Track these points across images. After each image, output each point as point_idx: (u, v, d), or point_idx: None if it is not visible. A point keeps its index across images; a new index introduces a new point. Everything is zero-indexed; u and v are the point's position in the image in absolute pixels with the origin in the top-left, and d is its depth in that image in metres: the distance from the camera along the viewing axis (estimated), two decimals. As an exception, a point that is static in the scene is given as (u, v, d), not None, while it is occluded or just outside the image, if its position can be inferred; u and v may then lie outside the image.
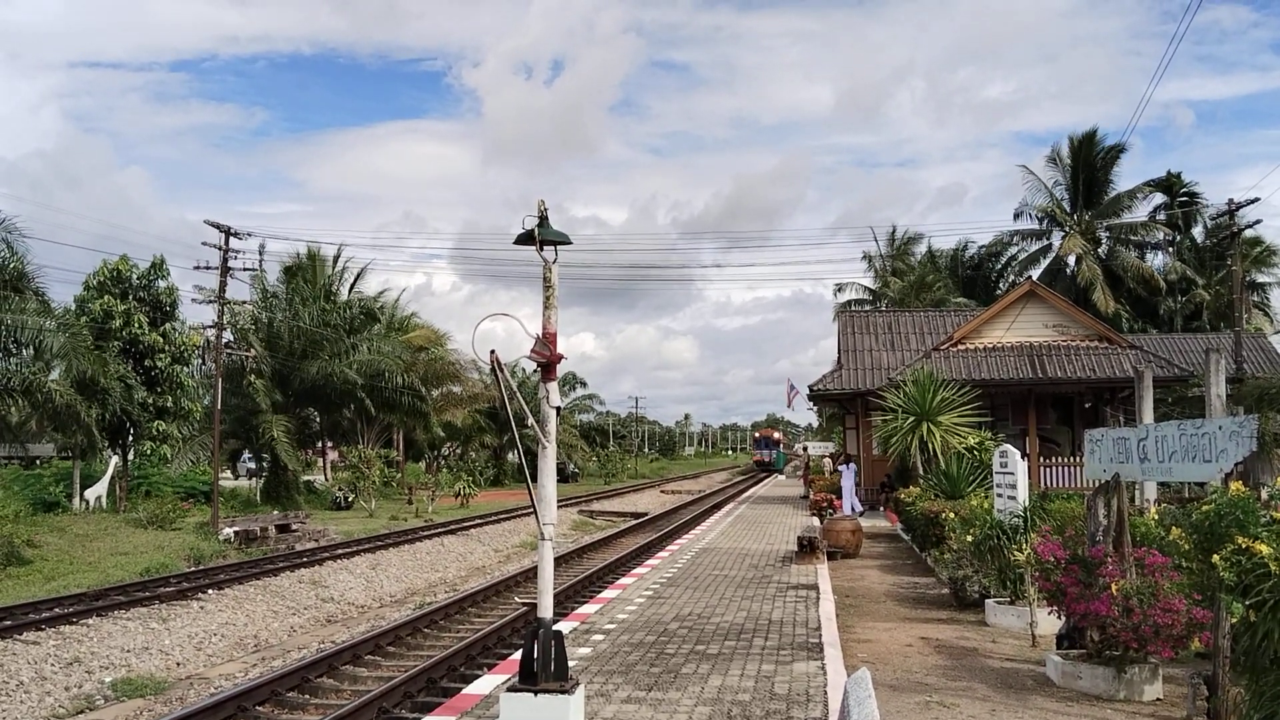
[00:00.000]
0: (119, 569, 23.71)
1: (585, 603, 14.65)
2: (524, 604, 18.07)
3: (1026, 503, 14.00)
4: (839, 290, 67.14)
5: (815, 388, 36.75)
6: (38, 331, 30.85)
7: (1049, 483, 28.48)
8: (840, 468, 32.39)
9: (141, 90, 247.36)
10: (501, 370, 7.45)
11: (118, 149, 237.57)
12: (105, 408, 34.71)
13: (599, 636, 11.41)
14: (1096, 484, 10.78)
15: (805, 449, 67.47)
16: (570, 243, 7.71)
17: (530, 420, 7.51)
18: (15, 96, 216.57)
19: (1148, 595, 8.80)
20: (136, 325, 37.72)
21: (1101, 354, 30.67)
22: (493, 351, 8.10)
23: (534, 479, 7.59)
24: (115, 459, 38.19)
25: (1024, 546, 11.66)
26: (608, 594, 14.96)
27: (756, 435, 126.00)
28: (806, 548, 18.62)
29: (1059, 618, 10.15)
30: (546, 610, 7.30)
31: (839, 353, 38.50)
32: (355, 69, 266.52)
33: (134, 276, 39.16)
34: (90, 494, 35.97)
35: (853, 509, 30.16)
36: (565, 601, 17.68)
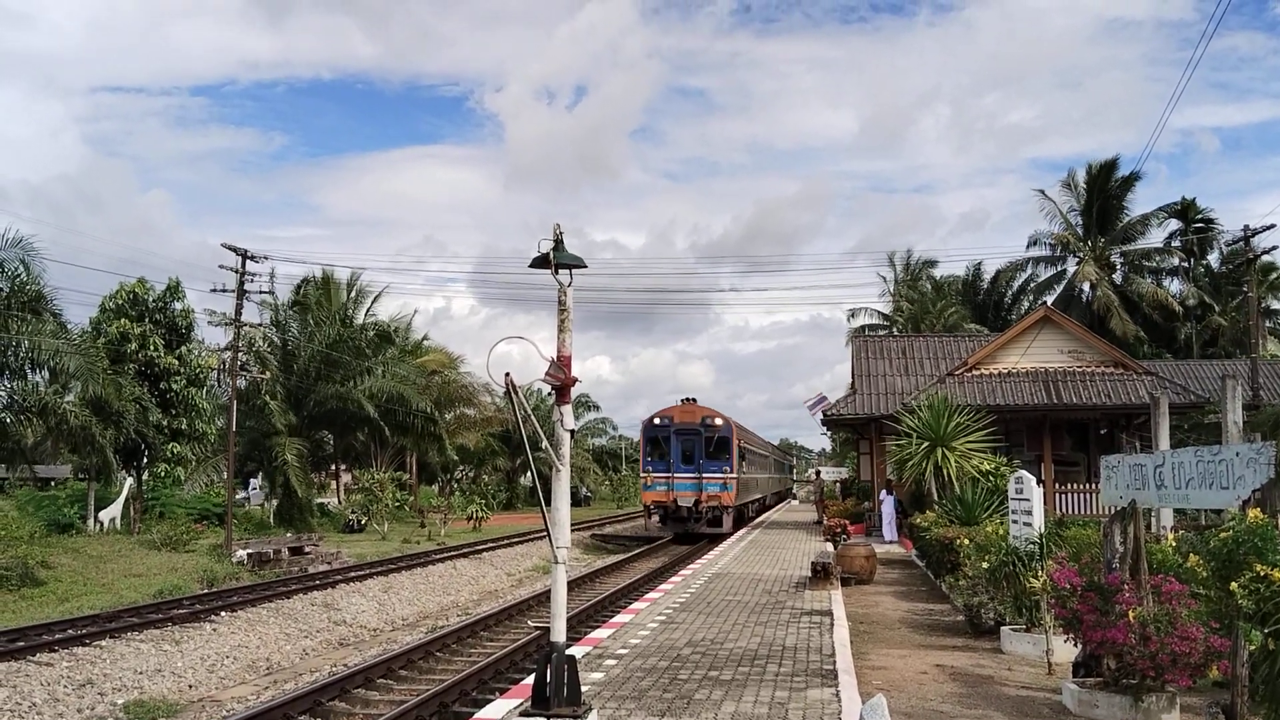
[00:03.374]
0: (132, 591, 23.74)
1: (598, 627, 14.60)
2: (536, 628, 18.03)
3: (1042, 529, 13.90)
4: (852, 315, 67.08)
5: (829, 412, 36.69)
6: (54, 353, 30.98)
7: (1065, 509, 28.35)
8: (882, 495, 32.30)
9: (162, 115, 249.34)
10: (516, 393, 7.46)
11: (139, 173, 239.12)
12: (120, 429, 34.81)
13: (612, 661, 11.36)
14: (1113, 510, 10.71)
15: (819, 474, 67.23)
16: (585, 266, 7.74)
17: (544, 443, 7.52)
18: (38, 120, 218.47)
19: (1165, 623, 8.72)
20: (152, 348, 37.87)
21: (1117, 380, 30.55)
22: (507, 374, 8.11)
23: (548, 502, 7.59)
24: (130, 481, 38.28)
25: (1040, 573, 11.58)
26: (621, 618, 14.90)
27: (657, 423, 38.93)
28: (820, 573, 18.54)
29: (1075, 645, 10.07)
30: (559, 635, 7.29)
31: (853, 377, 38.48)
32: (374, 94, 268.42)
33: (150, 299, 39.37)
34: (105, 515, 36.05)
35: (892, 537, 30.30)
36: (578, 626, 17.61)
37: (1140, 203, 65.25)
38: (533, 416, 7.50)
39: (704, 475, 36.93)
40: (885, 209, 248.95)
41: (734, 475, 37.12)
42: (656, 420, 38.10)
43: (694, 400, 39.04)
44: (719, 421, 37.73)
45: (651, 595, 17.78)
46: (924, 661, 12.37)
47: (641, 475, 39.14)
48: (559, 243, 7.43)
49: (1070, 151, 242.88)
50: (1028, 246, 59.84)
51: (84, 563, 27.36)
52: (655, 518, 38.82)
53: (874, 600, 18.37)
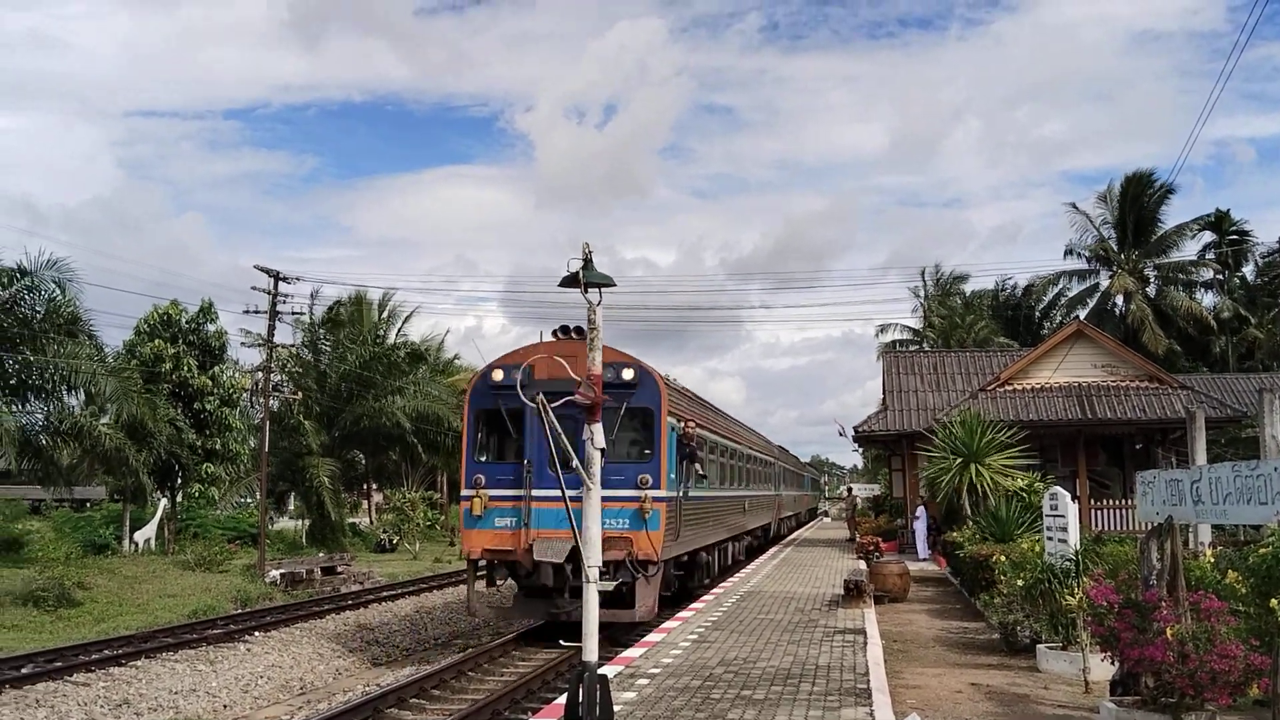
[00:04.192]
0: (167, 611, 23.90)
1: (630, 646, 14.55)
2: (568, 647, 17.99)
3: (1078, 546, 13.76)
4: (882, 331, 66.73)
5: (860, 429, 36.50)
6: (90, 375, 31.34)
7: (1100, 525, 28.06)
8: (917, 511, 32.11)
9: (195, 138, 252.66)
10: (547, 412, 7.48)
11: (173, 196, 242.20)
12: (154, 450, 35.13)
13: (644, 681, 11.32)
14: (1149, 527, 10.59)
15: (850, 491, 66.82)
16: (614, 285, 7.77)
17: (575, 462, 7.52)
18: (74, 145, 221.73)
19: (1204, 640, 8.60)
20: (186, 369, 38.23)
21: (1152, 394, 30.26)
22: (538, 393, 8.13)
23: (578, 521, 7.59)
24: (164, 501, 38.61)
25: (1076, 590, 11.46)
26: (652, 638, 14.85)
27: (498, 382, 17.98)
28: (853, 591, 18.40)
29: (1112, 663, 9.95)
30: (591, 654, 7.27)
31: (884, 393, 38.28)
32: (404, 115, 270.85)
33: (184, 320, 39.77)
34: (139, 536, 36.39)
35: (925, 554, 30.18)
36: (609, 645, 17.55)
37: (1174, 215, 64.56)
38: (562, 435, 7.51)
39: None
40: (915, 223, 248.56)
41: (666, 495, 17.67)
42: (496, 377, 18.17)
43: (579, 333, 17.26)
44: (629, 375, 17.75)
45: (683, 614, 17.70)
46: (959, 680, 12.25)
47: (463, 496, 18.67)
48: (588, 261, 7.46)
49: (1103, 164, 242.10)
50: (1064, 256, 59.41)
51: (119, 583, 27.58)
52: (486, 583, 19.40)
53: (908, 618, 18.22)
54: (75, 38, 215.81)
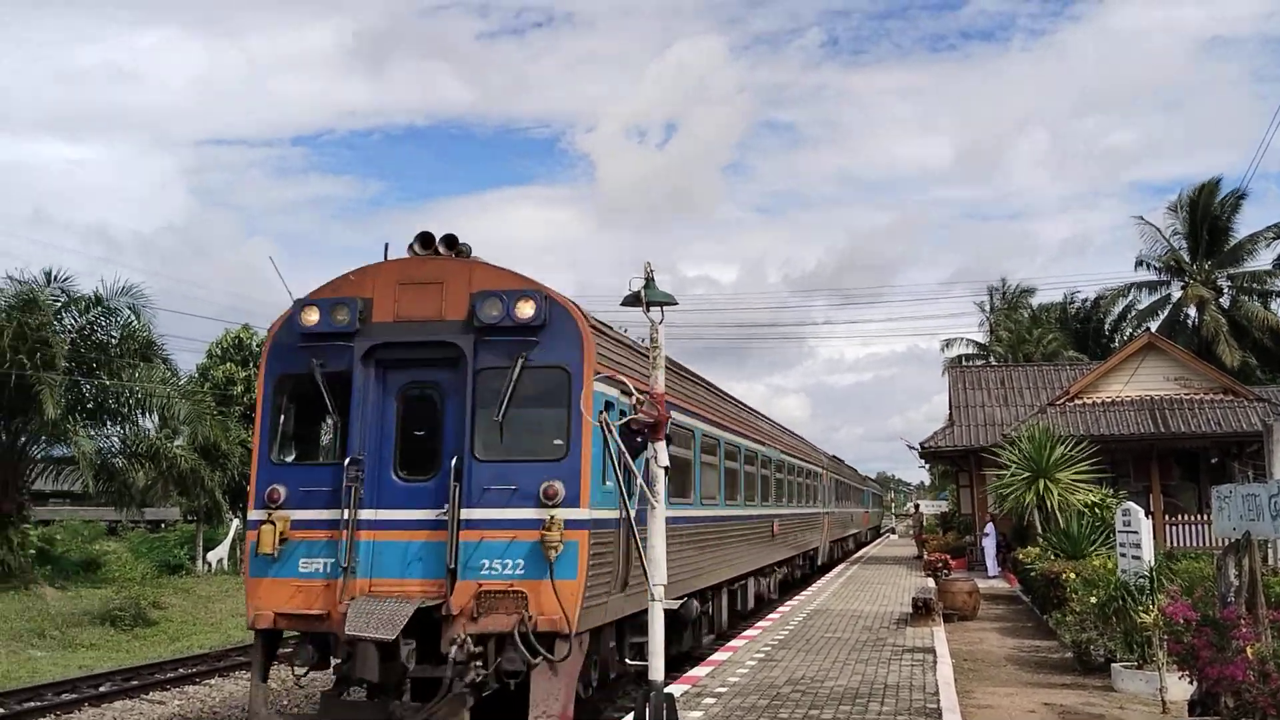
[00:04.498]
0: (240, 630, 24.25)
1: (695, 665, 14.51)
2: (632, 665, 17.97)
3: (1152, 562, 13.50)
4: (947, 345, 66.05)
5: (927, 445, 36.13)
6: (164, 399, 32.00)
7: (1174, 541, 27.51)
8: (986, 528, 31.73)
9: (264, 165, 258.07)
10: (610, 431, 7.51)
11: (243, 222, 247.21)
12: (227, 472, 35.77)
13: (710, 700, 11.28)
14: (1225, 543, 10.36)
15: (918, 507, 66.07)
16: (675, 303, 7.80)
17: (639, 481, 7.54)
18: (148, 173, 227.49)
19: (1286, 659, 8.39)
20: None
21: (1226, 407, 29.60)
22: (601, 412, 8.17)
23: (643, 539, 7.60)
24: (237, 522, 39.25)
25: (1151, 608, 11.24)
26: (718, 656, 14.80)
27: (311, 328, 10.51)
28: (921, 609, 18.20)
29: (1190, 683, 9.73)
30: (658, 673, 7.27)
31: (950, 409, 37.84)
32: (467, 138, 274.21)
33: (254, 344, 40.51)
34: (213, 556, 37.07)
35: (994, 571, 29.83)
36: (675, 664, 17.51)
37: (1247, 223, 63.22)
38: (626, 453, 7.54)
39: (471, 510, 9.92)
40: (980, 237, 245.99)
41: (589, 516, 10.03)
42: (307, 320, 10.62)
43: (449, 244, 10.89)
44: (528, 311, 10.21)
45: (749, 633, 17.62)
46: (1031, 700, 12.05)
47: (249, 523, 10.91)
48: (650, 280, 7.49)
49: (1173, 173, 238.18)
50: (1134, 268, 58.33)
51: (193, 602, 28.08)
52: (284, 667, 13.73)
53: (978, 637, 17.97)
54: (148, 69, 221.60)
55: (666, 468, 7.64)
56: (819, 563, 32.87)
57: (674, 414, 12.77)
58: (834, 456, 43.72)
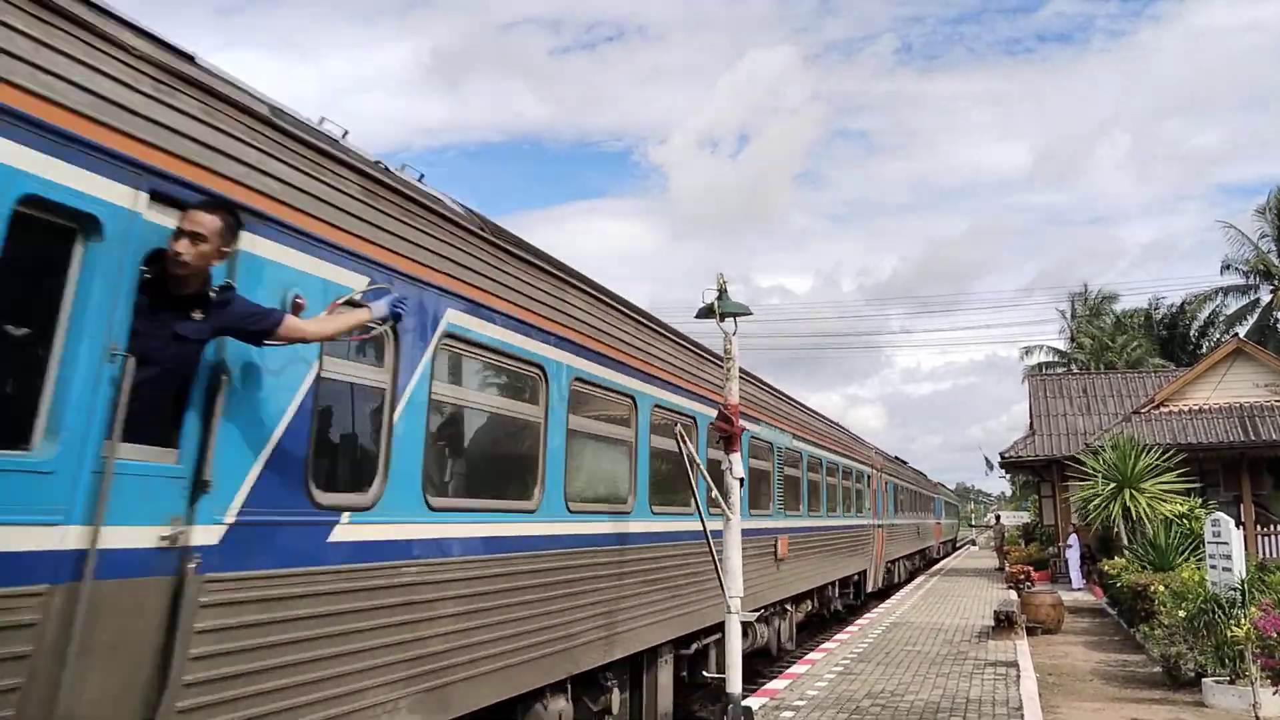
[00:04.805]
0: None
1: (773, 678, 14.42)
2: (710, 678, 17.91)
3: (1243, 574, 13.16)
4: (1027, 353, 65.01)
5: (1007, 455, 35.57)
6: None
7: (1266, 553, 26.82)
8: (1069, 539, 31.25)
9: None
10: (685, 443, 7.51)
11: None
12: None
13: (788, 714, 11.20)
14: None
15: (999, 518, 65.05)
16: (750, 314, 7.78)
17: (714, 491, 7.54)
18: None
19: (1387, 675, 8.12)
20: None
21: (1321, 414, 28.76)
22: (676, 424, 8.18)
23: (719, 551, 7.58)
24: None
25: (1242, 621, 10.96)
26: (796, 669, 14.70)
27: None
28: (1004, 622, 17.95)
29: (1286, 699, 9.46)
30: (735, 686, 7.25)
31: (1030, 418, 37.21)
32: (541, 153, 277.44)
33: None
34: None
35: (1079, 583, 29.39)
36: (753, 677, 17.44)
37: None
38: (701, 466, 7.54)
39: None
40: (1061, 242, 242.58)
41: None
42: None
43: None
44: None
45: (827, 645, 17.49)
46: (1119, 715, 11.79)
47: None
48: (723, 292, 7.48)
49: (1262, 174, 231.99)
50: (1220, 272, 56.99)
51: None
52: None
53: (1062, 650, 17.62)
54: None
55: (742, 480, 7.62)
56: (869, 589, 26.16)
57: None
58: (898, 458, 38.89)
